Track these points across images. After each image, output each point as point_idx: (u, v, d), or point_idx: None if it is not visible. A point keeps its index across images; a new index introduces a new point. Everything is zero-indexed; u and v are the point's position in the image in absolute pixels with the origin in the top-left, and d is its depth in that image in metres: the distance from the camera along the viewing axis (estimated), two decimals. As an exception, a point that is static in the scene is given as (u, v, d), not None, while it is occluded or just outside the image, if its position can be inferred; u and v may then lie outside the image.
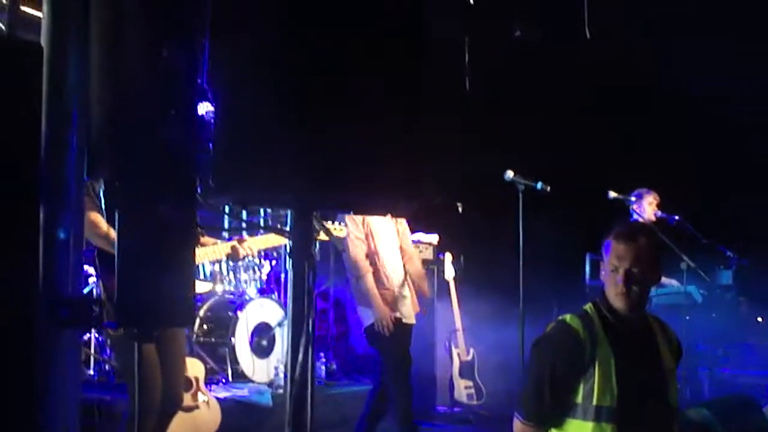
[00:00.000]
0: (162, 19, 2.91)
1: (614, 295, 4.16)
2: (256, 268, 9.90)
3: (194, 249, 3.80)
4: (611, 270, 4.16)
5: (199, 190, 3.17)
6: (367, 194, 2.78)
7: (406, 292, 7.97)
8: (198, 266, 8.87)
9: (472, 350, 10.25)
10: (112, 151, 2.80)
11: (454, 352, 10.22)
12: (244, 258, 7.16)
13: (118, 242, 3.08)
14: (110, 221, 5.48)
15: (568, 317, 4.21)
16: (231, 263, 9.47)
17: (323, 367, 10.02)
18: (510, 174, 7.81)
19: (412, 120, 2.83)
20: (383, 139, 2.75)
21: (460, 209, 9.83)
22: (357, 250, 7.80)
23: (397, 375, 7.92)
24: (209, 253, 6.43)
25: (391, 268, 7.90)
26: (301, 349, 2.72)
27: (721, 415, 6.49)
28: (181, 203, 2.97)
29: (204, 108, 7.60)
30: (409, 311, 8.00)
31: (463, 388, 10.12)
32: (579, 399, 4.06)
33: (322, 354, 10.11)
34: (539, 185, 7.69)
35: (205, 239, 6.47)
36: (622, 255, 4.14)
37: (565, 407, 4.11)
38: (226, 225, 8.93)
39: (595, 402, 4.02)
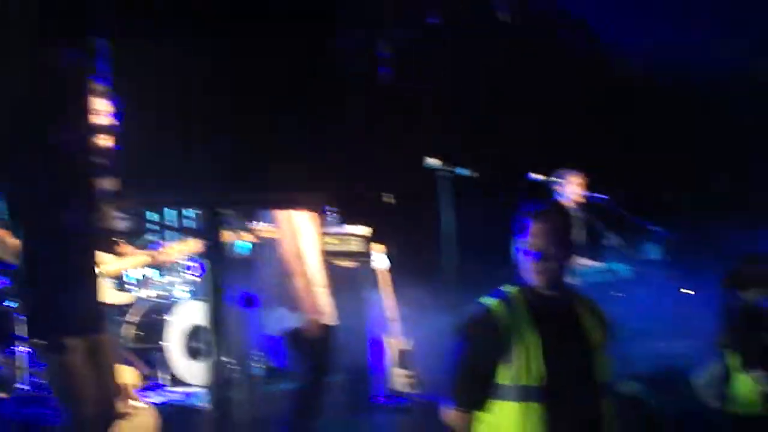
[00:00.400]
0: (52, 20, 2.88)
1: (531, 273, 4.19)
2: (186, 271, 9.86)
3: (95, 256, 3.77)
4: (526, 248, 4.19)
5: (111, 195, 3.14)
6: (273, 189, 2.78)
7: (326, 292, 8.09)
8: (124, 274, 8.79)
9: (406, 339, 10.27)
10: (3, 160, 2.77)
11: (390, 342, 10.23)
12: (165, 264, 7.18)
13: (22, 254, 3.06)
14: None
15: (489, 300, 4.23)
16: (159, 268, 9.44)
17: (258, 366, 9.98)
18: (432, 160, 7.81)
19: (314, 112, 2.82)
20: (287, 134, 2.75)
21: (392, 201, 9.83)
22: (288, 249, 7.80)
23: (317, 379, 7.99)
24: (128, 263, 6.39)
25: (315, 267, 7.99)
26: (220, 350, 2.71)
27: (651, 386, 6.58)
28: (80, 209, 2.94)
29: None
30: (331, 312, 8.12)
31: (399, 378, 10.12)
32: (505, 381, 4.07)
33: (257, 352, 10.07)
34: (462, 170, 7.69)
35: (124, 248, 6.43)
36: (537, 232, 4.18)
37: (491, 390, 4.10)
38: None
39: (520, 382, 4.03)
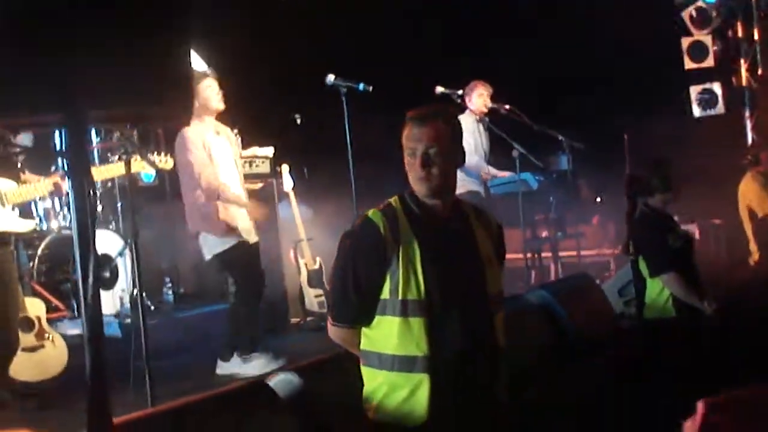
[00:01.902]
0: None
1: (415, 180, 4.03)
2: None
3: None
4: (409, 154, 4.03)
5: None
6: (141, 103, 2.67)
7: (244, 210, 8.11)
8: (29, 204, 8.63)
9: (318, 259, 10.25)
10: None
11: (301, 262, 10.21)
12: (68, 194, 7.03)
13: None
14: None
15: (370, 212, 4.05)
16: (63, 199, 9.27)
17: (171, 293, 9.92)
18: (331, 77, 7.71)
19: (175, 29, 2.71)
20: (147, 50, 2.63)
21: (298, 120, 9.73)
22: (204, 171, 7.78)
23: (250, 298, 8.14)
24: (31, 191, 6.26)
25: (232, 186, 8.01)
26: (91, 272, 2.60)
27: (559, 295, 6.60)
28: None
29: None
30: (250, 229, 8.14)
31: (313, 297, 10.13)
32: (386, 294, 3.92)
33: (168, 279, 10.01)
34: (361, 86, 7.60)
35: (26, 176, 6.31)
36: (418, 137, 4.00)
37: (372, 304, 3.96)
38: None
39: (401, 296, 3.88)
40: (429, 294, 3.90)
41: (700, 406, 2.48)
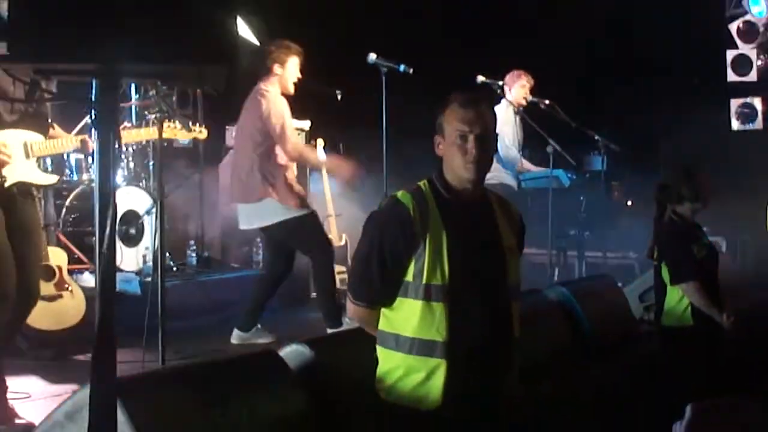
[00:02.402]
0: None
1: (463, 165, 3.97)
2: (122, 156, 9.75)
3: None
4: (458, 137, 3.96)
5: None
6: (173, 62, 2.68)
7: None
8: (61, 155, 8.66)
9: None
10: None
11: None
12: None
13: None
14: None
15: (399, 193, 4.01)
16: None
17: (194, 255, 9.96)
18: (373, 56, 7.69)
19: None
20: (183, 7, 2.65)
21: (339, 96, 9.70)
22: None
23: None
24: (57, 145, 6.29)
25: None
26: (108, 227, 2.62)
27: (579, 294, 6.60)
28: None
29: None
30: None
31: (336, 274, 10.13)
32: (409, 277, 3.89)
33: (193, 242, 10.05)
34: (402, 67, 7.58)
35: (55, 131, 6.34)
36: (472, 120, 3.96)
37: (395, 286, 3.93)
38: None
39: (425, 280, 3.85)
40: (453, 280, 3.87)
41: (688, 409, 2.51)
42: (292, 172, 8.09)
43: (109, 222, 2.61)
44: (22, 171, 5.92)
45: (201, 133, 7.61)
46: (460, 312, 3.88)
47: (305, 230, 8.08)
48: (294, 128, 8.11)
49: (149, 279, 8.71)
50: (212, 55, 2.72)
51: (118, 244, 8.94)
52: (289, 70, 8.00)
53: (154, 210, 9.03)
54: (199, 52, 2.69)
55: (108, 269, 2.65)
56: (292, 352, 4.36)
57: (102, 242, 2.61)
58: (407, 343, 3.90)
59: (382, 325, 4.02)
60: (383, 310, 4.01)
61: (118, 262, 8.76)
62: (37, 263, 6.18)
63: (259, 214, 8.01)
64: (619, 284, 8.01)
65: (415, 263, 3.88)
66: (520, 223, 4.30)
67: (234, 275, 9.98)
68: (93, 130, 6.59)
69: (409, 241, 3.88)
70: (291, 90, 8.05)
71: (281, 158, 7.92)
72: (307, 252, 8.25)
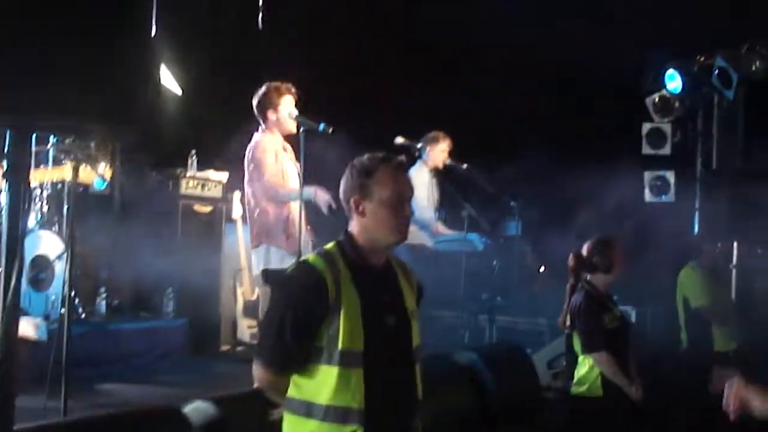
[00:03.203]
0: None
1: (396, 228, 3.97)
2: (37, 199, 9.62)
3: None
4: (395, 200, 3.94)
5: None
6: (85, 118, 2.66)
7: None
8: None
9: (257, 290, 10.20)
10: None
11: (239, 291, 10.18)
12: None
13: None
14: None
15: (311, 258, 3.95)
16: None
17: (104, 302, 9.83)
18: (294, 112, 7.69)
19: (132, 48, 2.71)
20: (101, 65, 2.63)
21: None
22: (272, 170, 7.81)
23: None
24: None
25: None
26: (14, 275, 2.59)
27: (488, 359, 6.64)
28: None
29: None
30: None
31: (246, 328, 10.10)
32: (323, 343, 3.80)
33: (103, 289, 9.92)
34: (322, 126, 7.57)
35: None
36: (407, 183, 4.00)
37: (307, 353, 3.83)
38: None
39: (341, 346, 3.77)
40: (368, 346, 3.82)
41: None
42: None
43: (15, 269, 2.58)
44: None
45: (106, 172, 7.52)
46: (375, 378, 3.83)
47: None
48: (276, 170, 7.90)
49: (56, 325, 8.59)
50: (128, 110, 2.70)
51: (27, 288, 8.80)
52: (282, 111, 7.84)
53: (65, 255, 8.92)
54: (115, 108, 2.68)
55: (12, 314, 2.60)
56: (195, 410, 4.31)
57: (7, 288, 2.57)
58: (321, 410, 3.81)
59: (292, 392, 3.91)
60: (293, 377, 3.90)
61: (25, 307, 8.70)
62: None
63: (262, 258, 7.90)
64: (528, 350, 8.07)
65: (329, 329, 3.80)
66: (418, 287, 4.26)
67: (144, 325, 9.86)
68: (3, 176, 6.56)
69: (324, 307, 3.80)
70: (290, 129, 7.87)
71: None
72: None
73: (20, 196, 2.58)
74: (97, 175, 7.14)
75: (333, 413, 3.80)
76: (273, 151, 7.84)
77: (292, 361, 3.87)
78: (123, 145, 10.03)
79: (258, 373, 3.97)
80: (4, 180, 2.78)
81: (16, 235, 2.58)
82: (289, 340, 3.81)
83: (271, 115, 7.88)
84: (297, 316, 3.82)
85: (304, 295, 3.85)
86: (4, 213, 2.61)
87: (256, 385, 4.01)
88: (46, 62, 2.52)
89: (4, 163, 6.63)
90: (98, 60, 2.61)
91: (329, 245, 4.02)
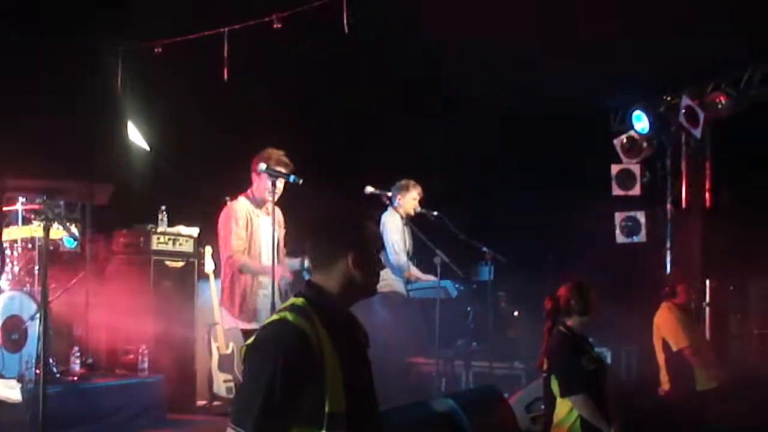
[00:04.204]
0: None
1: (373, 278, 3.97)
2: (8, 261, 9.56)
3: None
4: (372, 254, 3.96)
5: None
6: (59, 179, 2.68)
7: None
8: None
9: (231, 344, 10.16)
10: None
11: (214, 346, 10.13)
12: None
13: None
14: None
15: (289, 316, 3.74)
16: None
17: (78, 361, 9.75)
18: (263, 166, 7.72)
19: (101, 107, 2.73)
20: (72, 126, 2.65)
21: (228, 201, 9.71)
22: (234, 241, 8.02)
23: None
24: None
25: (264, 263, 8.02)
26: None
27: (466, 406, 6.60)
28: None
29: None
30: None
31: (222, 382, 10.04)
32: (308, 406, 3.63)
33: (76, 348, 9.84)
34: (292, 178, 7.60)
35: None
36: (377, 236, 4.06)
37: (291, 415, 3.64)
38: None
39: (327, 409, 3.62)
40: (350, 405, 3.70)
41: None
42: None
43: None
44: None
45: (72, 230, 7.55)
46: None
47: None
48: (239, 239, 8.10)
49: (31, 386, 8.52)
50: (99, 172, 2.72)
51: (0, 349, 8.75)
52: (262, 179, 7.96)
53: (38, 315, 8.86)
54: (87, 170, 2.69)
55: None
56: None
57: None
58: None
59: None
60: None
61: (-1, 369, 8.64)
62: None
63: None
64: (506, 395, 8.05)
65: (314, 391, 3.65)
66: (366, 335, 4.14)
67: (119, 383, 9.78)
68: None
69: (311, 368, 3.65)
70: (262, 194, 8.02)
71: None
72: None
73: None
74: (68, 234, 7.13)
75: None
76: (243, 217, 8.02)
77: (276, 426, 3.66)
78: (94, 202, 10.03)
79: None
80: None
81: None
82: (275, 405, 3.61)
83: (252, 177, 8.09)
84: (284, 378, 3.62)
85: (290, 355, 3.66)
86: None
87: None
88: (18, 125, 2.54)
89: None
90: (68, 121, 2.63)
91: (297, 300, 3.88)
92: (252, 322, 7.99)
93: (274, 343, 3.71)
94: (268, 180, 7.82)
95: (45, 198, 7.16)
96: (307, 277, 4.05)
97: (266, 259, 8.01)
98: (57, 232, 7.03)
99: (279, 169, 7.81)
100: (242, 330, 8.12)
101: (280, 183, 7.88)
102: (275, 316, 3.82)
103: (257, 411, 3.60)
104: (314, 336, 3.69)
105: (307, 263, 4.07)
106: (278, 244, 8.00)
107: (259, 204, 8.15)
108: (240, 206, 7.98)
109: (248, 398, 3.67)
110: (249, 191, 8.14)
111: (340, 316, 3.94)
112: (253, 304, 8.08)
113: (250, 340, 3.77)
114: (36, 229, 7.09)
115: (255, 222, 8.09)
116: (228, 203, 8.05)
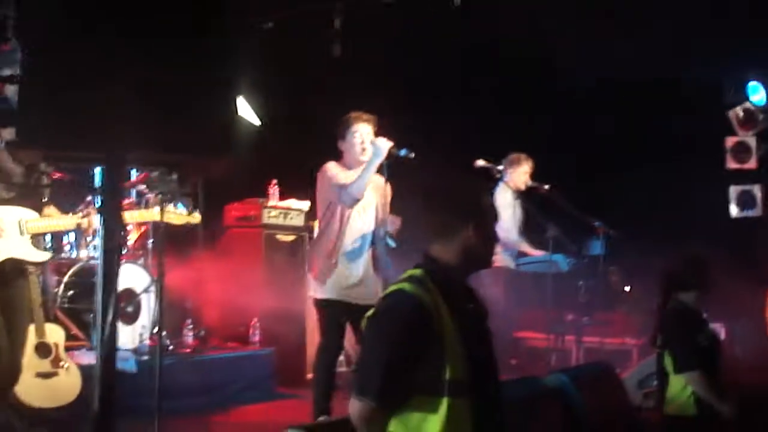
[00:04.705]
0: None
1: (485, 254, 4.07)
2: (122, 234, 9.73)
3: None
4: (492, 225, 4.07)
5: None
6: (179, 151, 2.68)
7: (365, 272, 7.65)
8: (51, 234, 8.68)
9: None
10: None
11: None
12: (92, 233, 7.22)
13: None
14: None
15: (407, 286, 3.80)
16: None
17: (191, 334, 9.89)
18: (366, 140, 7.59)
19: (221, 80, 2.71)
20: (195, 97, 2.64)
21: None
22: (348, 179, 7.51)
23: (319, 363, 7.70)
24: (51, 224, 6.35)
25: (351, 240, 7.58)
26: (111, 309, 2.60)
27: (578, 381, 6.55)
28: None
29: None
30: (360, 293, 7.53)
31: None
32: (427, 375, 3.69)
33: (190, 320, 9.98)
34: (403, 152, 7.50)
35: (49, 210, 6.40)
36: (494, 208, 4.12)
37: (412, 385, 3.71)
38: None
39: (448, 376, 3.66)
40: (471, 374, 3.74)
41: None
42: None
43: (111, 308, 2.59)
44: (15, 247, 5.95)
45: (194, 218, 7.63)
46: (480, 407, 3.77)
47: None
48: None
49: (145, 357, 8.67)
50: (217, 145, 2.71)
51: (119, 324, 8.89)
52: (347, 141, 7.63)
53: (152, 288, 9.00)
54: (204, 143, 2.69)
55: (109, 348, 2.62)
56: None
57: (104, 327, 2.58)
58: None
59: (396, 428, 3.77)
60: (397, 413, 3.77)
61: (118, 343, 8.78)
62: (22, 341, 6.21)
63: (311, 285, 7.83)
64: (617, 371, 7.97)
65: (434, 360, 3.70)
66: (486, 308, 4.20)
67: (231, 355, 9.91)
68: (87, 211, 6.67)
69: (429, 338, 3.70)
70: (359, 159, 7.57)
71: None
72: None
73: (115, 232, 2.59)
74: (177, 216, 7.25)
75: None
76: (342, 173, 7.55)
77: (399, 395, 3.74)
78: (207, 178, 10.13)
79: (359, 409, 3.78)
80: (99, 215, 2.81)
81: (112, 271, 2.59)
82: (397, 374, 3.72)
83: (341, 146, 7.68)
84: (405, 348, 3.73)
85: (410, 327, 3.74)
86: (100, 249, 2.63)
87: (354, 422, 3.79)
88: (138, 95, 2.54)
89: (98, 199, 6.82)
90: (189, 91, 2.62)
91: (415, 271, 3.92)
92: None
93: (393, 314, 3.80)
94: (354, 138, 7.59)
95: (160, 173, 7.26)
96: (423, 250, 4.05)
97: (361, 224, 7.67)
98: (167, 214, 7.13)
99: (364, 124, 7.62)
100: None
101: (367, 135, 7.57)
102: (393, 287, 3.88)
103: (379, 381, 3.71)
104: (432, 306, 3.74)
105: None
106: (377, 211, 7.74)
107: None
108: (333, 165, 7.62)
109: (370, 369, 3.79)
110: (341, 159, 7.69)
111: (458, 287, 3.98)
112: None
113: (369, 312, 3.86)
114: (152, 214, 7.19)
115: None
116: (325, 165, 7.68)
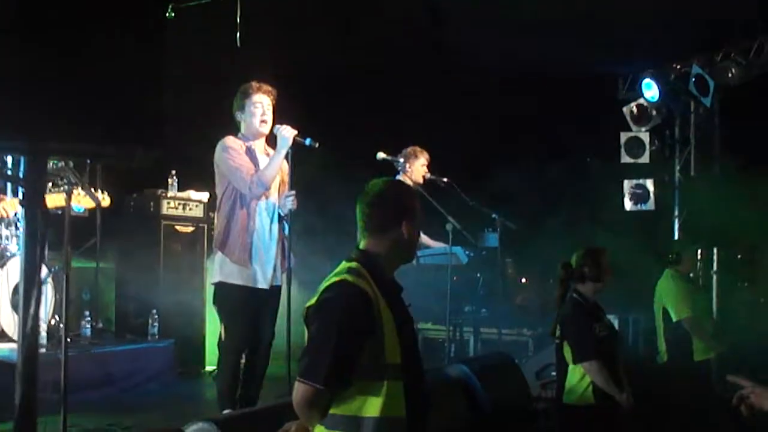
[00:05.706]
0: None
1: (412, 249, 4.42)
2: (18, 224, 9.57)
3: None
4: (419, 223, 4.34)
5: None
6: (102, 142, 2.67)
7: (272, 252, 7.35)
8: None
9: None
10: None
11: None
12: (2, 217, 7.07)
13: None
14: None
15: (349, 277, 4.07)
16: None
17: (88, 326, 9.78)
18: (278, 127, 7.49)
19: (150, 77, 2.72)
20: (120, 88, 2.64)
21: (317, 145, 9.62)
22: (250, 169, 7.20)
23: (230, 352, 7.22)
24: None
25: (261, 221, 7.28)
26: (33, 301, 2.59)
27: (478, 371, 6.65)
28: None
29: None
30: (266, 275, 7.25)
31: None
32: (368, 359, 3.96)
33: (88, 312, 9.87)
34: (308, 141, 7.44)
35: None
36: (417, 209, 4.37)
37: (356, 369, 3.96)
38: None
39: (387, 360, 3.97)
40: (404, 357, 4.02)
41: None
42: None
43: (34, 299, 2.58)
44: None
45: (105, 200, 7.54)
46: (410, 388, 4.02)
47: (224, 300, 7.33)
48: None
49: (43, 349, 8.55)
50: (144, 136, 2.71)
51: (11, 313, 8.76)
52: (245, 112, 7.36)
53: (49, 280, 8.88)
54: (130, 134, 2.68)
55: (32, 340, 2.61)
56: (198, 431, 4.30)
57: (27, 319, 2.57)
58: (371, 423, 3.94)
59: (338, 410, 4.00)
60: (339, 396, 4.00)
61: (10, 333, 8.65)
62: None
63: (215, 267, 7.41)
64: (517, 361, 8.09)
65: (374, 345, 3.97)
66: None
67: (129, 347, 9.83)
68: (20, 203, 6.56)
69: (370, 324, 3.98)
70: (259, 131, 7.33)
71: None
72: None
73: (37, 223, 2.58)
74: (93, 200, 7.13)
75: (385, 425, 3.94)
76: (241, 149, 7.28)
77: (344, 377, 3.97)
78: (104, 168, 10.01)
79: (304, 392, 3.97)
80: (21, 206, 2.79)
81: (35, 262, 2.57)
82: (343, 360, 3.95)
83: (238, 116, 7.43)
84: (350, 335, 3.98)
85: (356, 315, 4.00)
86: (22, 238, 2.61)
87: (297, 404, 4.02)
88: (62, 85, 2.52)
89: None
90: (113, 82, 2.61)
91: (351, 264, 4.18)
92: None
93: (340, 303, 4.04)
94: (254, 108, 7.34)
95: (72, 163, 7.14)
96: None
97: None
98: (77, 197, 7.01)
99: (263, 95, 7.38)
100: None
101: (267, 107, 7.35)
102: (334, 278, 4.12)
103: (327, 366, 3.94)
104: (373, 296, 4.03)
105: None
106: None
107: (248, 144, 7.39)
108: (232, 140, 7.33)
109: (316, 355, 4.00)
110: (240, 135, 7.43)
111: (388, 278, 4.26)
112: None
113: (312, 302, 4.11)
114: (59, 199, 7.06)
115: (261, 161, 7.37)
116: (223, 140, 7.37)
